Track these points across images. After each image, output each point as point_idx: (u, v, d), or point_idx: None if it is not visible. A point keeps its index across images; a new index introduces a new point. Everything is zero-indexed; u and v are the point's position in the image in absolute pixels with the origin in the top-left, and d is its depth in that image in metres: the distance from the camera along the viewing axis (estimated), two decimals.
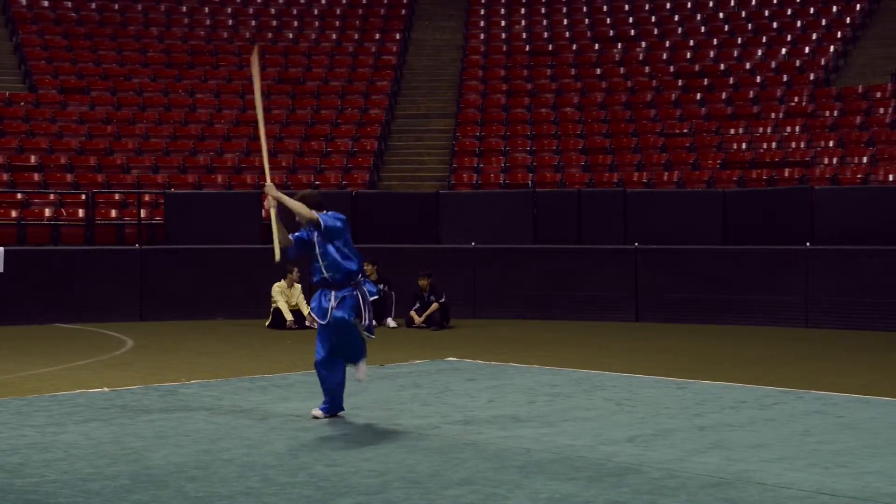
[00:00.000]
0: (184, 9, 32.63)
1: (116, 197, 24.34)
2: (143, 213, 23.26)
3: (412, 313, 19.85)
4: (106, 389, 12.02)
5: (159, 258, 21.61)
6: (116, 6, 32.09)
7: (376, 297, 10.36)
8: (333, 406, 10.21)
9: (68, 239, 22.85)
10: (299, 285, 19.90)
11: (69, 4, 31.70)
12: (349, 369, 10.22)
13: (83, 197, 23.67)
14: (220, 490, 7.43)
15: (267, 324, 19.73)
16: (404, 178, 26.80)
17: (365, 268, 19.39)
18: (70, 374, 13.79)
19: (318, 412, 10.20)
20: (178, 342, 17.63)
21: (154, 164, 25.89)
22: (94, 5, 31.93)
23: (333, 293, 9.92)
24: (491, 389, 12.01)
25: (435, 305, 19.88)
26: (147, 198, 23.74)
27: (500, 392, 11.83)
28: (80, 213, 23.66)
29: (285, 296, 19.81)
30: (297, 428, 9.74)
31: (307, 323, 19.52)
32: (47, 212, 23.67)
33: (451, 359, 14.85)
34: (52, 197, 24.05)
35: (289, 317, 19.55)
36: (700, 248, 20.86)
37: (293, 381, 12.65)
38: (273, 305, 19.76)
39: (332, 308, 9.88)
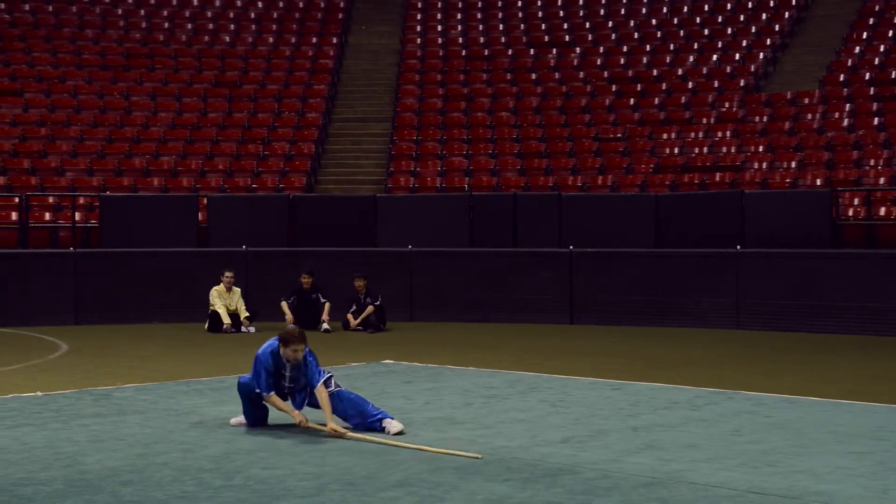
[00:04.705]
0: (119, 11, 32.33)
1: (50, 200, 24.07)
2: (77, 216, 23.04)
3: (348, 316, 19.84)
4: (39, 394, 11.93)
5: (94, 262, 21.41)
6: (51, 8, 31.71)
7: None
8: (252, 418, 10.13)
9: (1, 242, 22.54)
10: (238, 289, 19.87)
11: (2, 6, 31.26)
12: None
13: (16, 200, 23.39)
14: (156, 494, 7.44)
15: (206, 327, 19.66)
16: (341, 182, 26.79)
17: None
18: (3, 378, 13.64)
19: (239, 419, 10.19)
20: (113, 346, 17.49)
21: (89, 166, 25.62)
22: (27, 7, 31.53)
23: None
24: (427, 391, 12.09)
25: (370, 308, 19.89)
26: (82, 201, 23.52)
27: (436, 394, 11.91)
28: (14, 216, 23.36)
29: (223, 299, 19.75)
30: (232, 431, 9.75)
31: (243, 328, 19.54)
32: None
33: (387, 361, 14.91)
34: None
35: (226, 320, 19.49)
36: (633, 251, 21.06)
37: (229, 384, 12.60)
38: (210, 309, 19.68)
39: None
